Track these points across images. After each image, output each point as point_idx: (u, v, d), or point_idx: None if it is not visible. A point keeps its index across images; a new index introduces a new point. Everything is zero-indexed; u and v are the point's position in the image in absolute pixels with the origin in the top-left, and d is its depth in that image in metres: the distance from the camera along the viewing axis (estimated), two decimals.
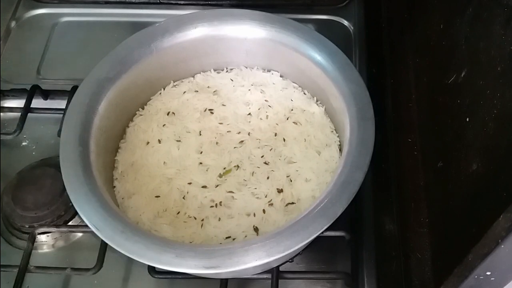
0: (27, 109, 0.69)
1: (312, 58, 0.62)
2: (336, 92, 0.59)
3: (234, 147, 0.61)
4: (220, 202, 0.58)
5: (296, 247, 0.49)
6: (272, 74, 0.68)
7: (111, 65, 0.61)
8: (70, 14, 0.83)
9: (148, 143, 0.63)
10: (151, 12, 0.82)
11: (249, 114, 0.64)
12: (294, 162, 0.60)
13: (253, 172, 0.60)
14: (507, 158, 0.38)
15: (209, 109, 0.64)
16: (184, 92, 0.66)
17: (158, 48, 0.63)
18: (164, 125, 0.64)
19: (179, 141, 0.62)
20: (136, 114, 0.66)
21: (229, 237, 0.56)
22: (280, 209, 0.57)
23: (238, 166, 0.60)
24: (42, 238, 0.63)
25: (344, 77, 0.59)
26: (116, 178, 0.61)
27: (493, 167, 0.40)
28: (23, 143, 0.71)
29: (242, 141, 0.62)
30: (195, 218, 0.57)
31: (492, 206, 0.38)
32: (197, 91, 0.66)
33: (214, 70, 0.69)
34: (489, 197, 0.40)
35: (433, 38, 0.60)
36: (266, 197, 0.58)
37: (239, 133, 0.63)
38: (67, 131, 0.57)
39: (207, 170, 0.60)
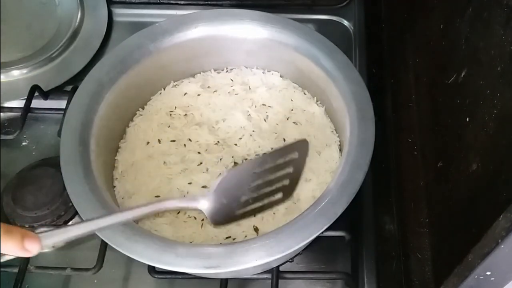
0: (27, 109, 0.68)
1: (312, 58, 0.62)
2: (336, 92, 0.59)
3: (234, 147, 0.61)
4: None
5: (296, 247, 0.49)
6: (272, 74, 0.68)
7: (111, 65, 0.61)
8: None
9: (148, 143, 0.62)
10: (151, 12, 0.82)
11: (249, 114, 0.64)
12: None
13: None
14: (507, 158, 0.38)
15: (209, 109, 0.64)
16: (184, 92, 0.66)
17: (158, 48, 0.63)
18: (164, 125, 0.64)
19: (179, 141, 0.62)
20: (136, 114, 0.66)
21: (229, 237, 0.56)
22: (280, 209, 0.57)
23: None
24: None
25: (344, 77, 0.59)
26: (116, 178, 0.61)
27: (493, 167, 0.40)
28: (23, 143, 0.71)
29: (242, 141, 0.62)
30: (195, 218, 0.57)
31: (492, 206, 0.38)
32: (197, 91, 0.66)
33: (214, 70, 0.69)
34: (489, 197, 0.40)
35: (433, 38, 0.60)
36: None
37: (239, 133, 0.63)
38: (67, 131, 0.57)
39: (207, 170, 0.60)
